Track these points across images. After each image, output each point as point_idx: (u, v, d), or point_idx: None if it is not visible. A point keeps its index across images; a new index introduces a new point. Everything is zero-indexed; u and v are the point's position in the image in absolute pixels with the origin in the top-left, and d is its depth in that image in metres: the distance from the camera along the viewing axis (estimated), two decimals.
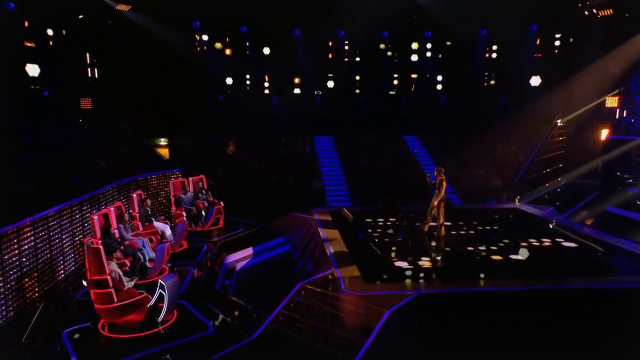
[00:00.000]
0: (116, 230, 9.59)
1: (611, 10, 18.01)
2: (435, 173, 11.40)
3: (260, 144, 19.84)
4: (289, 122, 21.26)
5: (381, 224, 12.98)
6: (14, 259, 8.09)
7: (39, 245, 8.94)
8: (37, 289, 8.78)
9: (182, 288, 8.97)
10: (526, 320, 7.40)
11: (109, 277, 7.04)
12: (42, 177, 11.33)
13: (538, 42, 21.18)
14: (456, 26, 19.73)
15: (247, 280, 10.88)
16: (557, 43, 21.05)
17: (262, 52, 21.38)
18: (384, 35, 22.05)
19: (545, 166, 18.71)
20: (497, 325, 7.23)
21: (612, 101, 18.78)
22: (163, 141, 21.23)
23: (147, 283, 8.53)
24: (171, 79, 19.46)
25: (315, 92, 23.02)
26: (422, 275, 8.92)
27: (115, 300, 7.08)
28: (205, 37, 21.04)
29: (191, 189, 13.54)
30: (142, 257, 9.33)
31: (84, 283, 7.99)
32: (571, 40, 20.89)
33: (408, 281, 8.62)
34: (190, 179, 13.69)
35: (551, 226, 12.50)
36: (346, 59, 22.95)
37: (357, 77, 23.37)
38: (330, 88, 22.75)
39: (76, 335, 7.32)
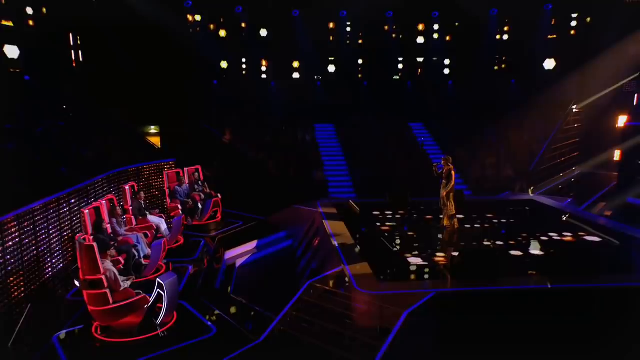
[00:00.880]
0: (108, 225, 9.32)
1: None
2: (443, 162, 11.25)
3: (258, 132, 19.53)
4: (288, 109, 20.94)
5: (390, 217, 12.78)
6: None
7: (24, 242, 8.67)
8: (23, 289, 8.53)
9: (180, 287, 8.74)
10: (552, 319, 7.23)
11: (103, 277, 6.80)
12: (24, 167, 10.99)
13: (553, 23, 20.89)
14: (465, 5, 19.41)
15: (248, 277, 10.71)
16: (574, 24, 20.78)
17: (259, 34, 20.96)
18: (388, 16, 21.70)
19: (560, 155, 18.58)
20: (521, 326, 7.04)
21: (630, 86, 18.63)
22: (154, 129, 20.87)
23: (144, 282, 8.30)
24: (162, 63, 19.04)
25: (316, 77, 22.73)
26: (438, 273, 8.72)
27: (111, 301, 6.84)
28: (198, 18, 20.58)
29: (186, 181, 13.28)
30: (136, 254, 9.09)
31: (76, 283, 7.73)
32: (588, 20, 20.60)
33: (424, 279, 8.43)
34: (185, 169, 13.40)
35: (564, 218, 12.36)
36: (348, 42, 22.63)
37: (360, 61, 23.04)
38: (331, 73, 22.46)
39: (68, 339, 7.10)
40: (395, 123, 21.01)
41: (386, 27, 22.23)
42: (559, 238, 10.57)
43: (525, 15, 20.27)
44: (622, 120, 17.37)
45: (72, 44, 19.11)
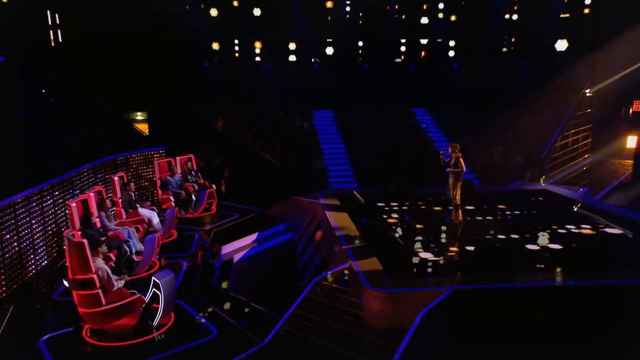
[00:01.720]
0: (97, 220, 9.05)
1: None
2: (450, 150, 11.03)
3: (254, 118, 19.22)
4: (284, 94, 20.63)
5: (396, 209, 12.60)
6: None
7: (5, 237, 8.46)
8: (5, 288, 8.30)
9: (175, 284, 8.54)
10: (577, 318, 7.10)
11: (95, 276, 6.55)
12: (3, 157, 10.66)
13: (565, 1, 20.66)
14: None
15: (247, 274, 10.56)
16: (588, 1, 20.54)
17: (253, 14, 20.51)
18: None
19: (573, 142, 18.48)
20: (549, 324, 6.92)
21: None
22: (140, 115, 20.48)
23: (138, 281, 8.09)
24: (149, 44, 18.60)
25: (313, 60, 22.47)
26: (454, 269, 8.57)
27: (104, 302, 6.61)
28: None
29: (179, 170, 13.02)
30: (128, 250, 8.85)
31: (65, 283, 7.48)
32: None
33: (440, 276, 8.29)
34: (177, 158, 13.13)
35: (575, 209, 12.25)
36: (347, 22, 22.19)
37: (360, 43, 22.71)
38: (329, 55, 22.16)
39: (56, 343, 6.88)
40: (397, 109, 20.78)
41: (388, 7, 21.89)
42: (577, 231, 10.44)
43: None
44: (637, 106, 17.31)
45: (50, 23, 18.61)
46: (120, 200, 10.65)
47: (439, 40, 22.46)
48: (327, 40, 22.15)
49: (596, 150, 19.60)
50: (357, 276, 7.99)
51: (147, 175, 14.05)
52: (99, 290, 6.60)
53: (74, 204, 8.67)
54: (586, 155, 19.22)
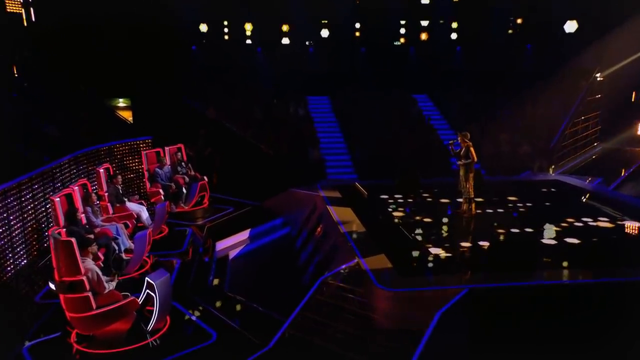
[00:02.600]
0: (83, 215, 8.77)
1: None
2: (460, 139, 10.88)
3: (246, 105, 18.94)
4: (277, 79, 20.35)
5: (401, 202, 12.47)
6: None
7: None
8: None
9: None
10: (599, 316, 7.02)
11: (84, 278, 6.30)
12: None
13: None
14: None
15: (244, 272, 10.42)
16: None
17: None
18: None
19: (583, 130, 18.46)
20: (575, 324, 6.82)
21: None
22: (122, 102, 20.08)
23: (129, 282, 7.85)
24: (132, 24, 18.17)
25: (307, 43, 22.22)
26: (469, 266, 8.46)
27: (94, 306, 6.37)
28: None
29: (168, 162, 12.75)
30: (116, 248, 8.60)
31: (51, 286, 7.22)
32: None
33: (456, 274, 8.17)
34: (166, 149, 12.85)
35: (584, 199, 12.17)
36: (344, 2, 21.88)
37: (357, 25, 22.42)
38: (324, 38, 21.97)
39: (41, 350, 6.65)
40: (397, 95, 20.62)
41: None
42: (594, 224, 10.37)
43: None
44: None
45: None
46: (106, 194, 10.36)
47: (441, 21, 22.29)
48: (322, 21, 21.90)
49: (605, 138, 19.61)
50: (365, 274, 7.84)
51: (133, 167, 13.74)
52: (89, 293, 6.36)
53: (58, 199, 8.37)
54: (595, 144, 19.22)
